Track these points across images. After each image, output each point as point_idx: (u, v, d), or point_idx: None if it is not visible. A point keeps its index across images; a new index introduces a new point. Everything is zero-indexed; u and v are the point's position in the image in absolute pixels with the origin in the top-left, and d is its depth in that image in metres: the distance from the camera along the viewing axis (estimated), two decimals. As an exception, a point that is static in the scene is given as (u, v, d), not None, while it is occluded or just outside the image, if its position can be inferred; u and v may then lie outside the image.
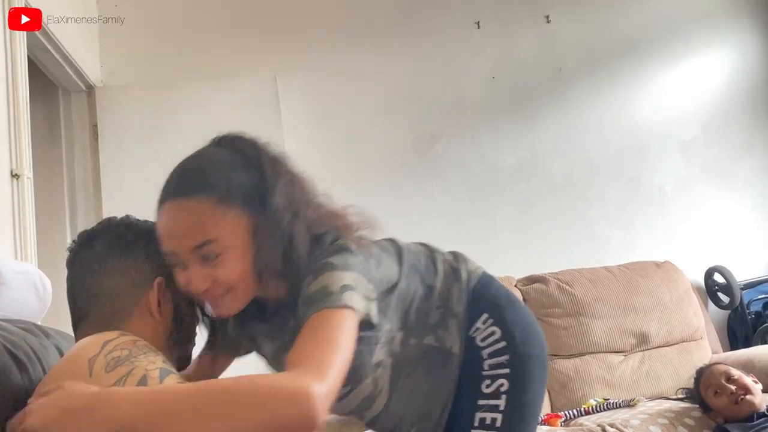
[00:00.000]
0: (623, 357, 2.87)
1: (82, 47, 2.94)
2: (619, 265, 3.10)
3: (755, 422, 2.08)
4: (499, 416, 1.15)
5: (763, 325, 3.15)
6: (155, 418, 0.78)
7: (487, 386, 1.17)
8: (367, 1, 3.47)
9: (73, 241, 1.11)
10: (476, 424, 1.14)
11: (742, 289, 3.29)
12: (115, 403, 0.78)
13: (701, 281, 3.37)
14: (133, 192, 2.95)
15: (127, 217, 1.12)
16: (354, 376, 1.03)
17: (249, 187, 1.02)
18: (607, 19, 3.66)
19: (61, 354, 1.11)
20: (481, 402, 1.16)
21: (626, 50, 3.63)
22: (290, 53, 3.35)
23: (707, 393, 2.20)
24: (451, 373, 1.19)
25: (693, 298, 3.04)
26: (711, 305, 3.38)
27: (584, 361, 2.83)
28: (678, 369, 2.83)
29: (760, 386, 2.19)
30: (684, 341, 2.94)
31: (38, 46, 2.55)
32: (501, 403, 1.15)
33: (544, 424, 2.47)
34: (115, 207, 2.77)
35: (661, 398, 2.62)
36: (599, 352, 2.85)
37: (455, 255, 1.28)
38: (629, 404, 2.50)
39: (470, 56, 3.49)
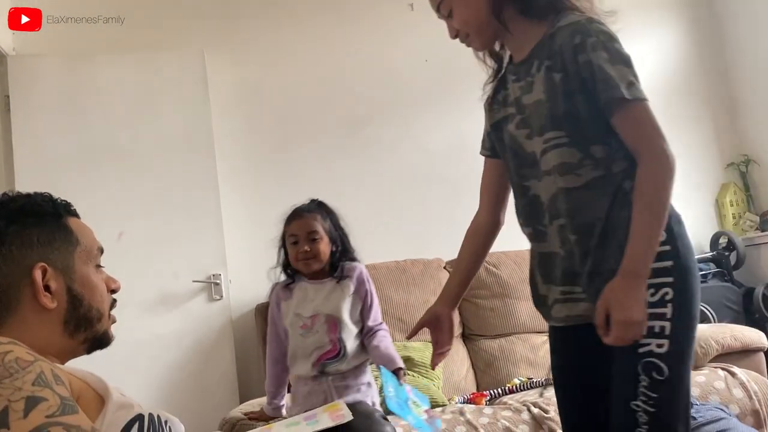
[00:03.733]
0: (546, 337, 2.95)
1: (-9, 12, 2.75)
2: (544, 248, 3.18)
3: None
4: (667, 324, 1.16)
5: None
6: None
7: (652, 294, 1.16)
8: (299, -22, 3.40)
9: None
10: (644, 332, 1.14)
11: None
12: None
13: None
14: (48, 165, 2.81)
15: (4, 195, 1.05)
16: None
17: None
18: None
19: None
20: (649, 310, 1.14)
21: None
22: (218, 27, 3.25)
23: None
24: None
25: (612, 281, 3.15)
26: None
27: (509, 341, 2.90)
28: (597, 348, 2.94)
29: None
30: (603, 322, 3.05)
31: (-58, 9, 2.37)
32: (667, 311, 1.16)
33: (470, 403, 2.52)
34: (28, 180, 2.63)
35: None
36: (523, 333, 2.92)
37: None
38: (552, 383, 2.58)
39: (403, 38, 3.48)
